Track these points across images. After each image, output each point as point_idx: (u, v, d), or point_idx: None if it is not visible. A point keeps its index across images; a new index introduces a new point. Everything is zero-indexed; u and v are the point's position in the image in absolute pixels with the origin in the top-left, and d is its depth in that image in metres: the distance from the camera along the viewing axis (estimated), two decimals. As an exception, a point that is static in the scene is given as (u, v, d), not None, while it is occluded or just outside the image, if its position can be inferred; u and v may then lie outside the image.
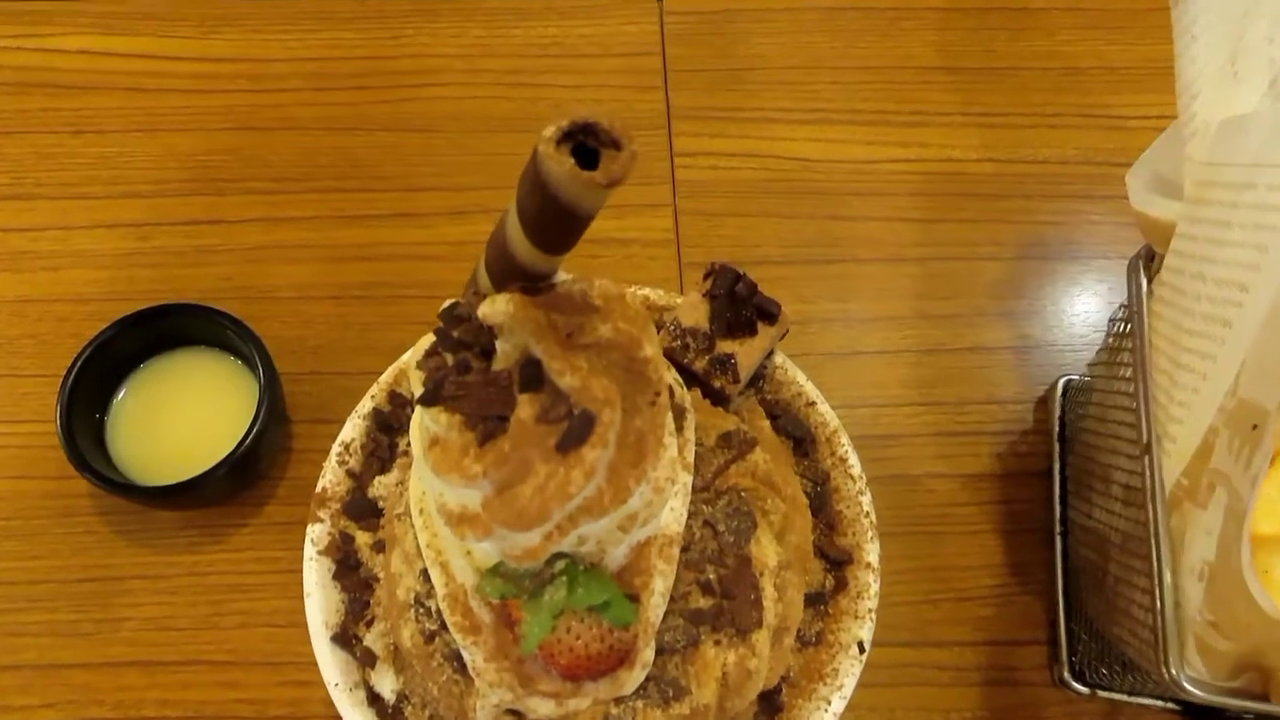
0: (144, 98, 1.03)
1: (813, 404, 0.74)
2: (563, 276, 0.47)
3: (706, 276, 0.69)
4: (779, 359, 0.74)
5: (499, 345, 0.45)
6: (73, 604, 0.82)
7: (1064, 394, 0.90)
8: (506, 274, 0.45)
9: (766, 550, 0.59)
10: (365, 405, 0.74)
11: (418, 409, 0.50)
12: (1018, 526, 0.87)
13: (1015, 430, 0.91)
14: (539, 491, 0.45)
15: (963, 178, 1.02)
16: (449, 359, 0.47)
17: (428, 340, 0.50)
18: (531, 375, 0.45)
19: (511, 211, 0.42)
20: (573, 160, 0.36)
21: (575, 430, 0.44)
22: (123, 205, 0.98)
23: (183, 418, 0.83)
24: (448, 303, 0.49)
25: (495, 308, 0.43)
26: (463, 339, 0.47)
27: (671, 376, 0.59)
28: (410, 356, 0.75)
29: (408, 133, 1.03)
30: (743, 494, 0.60)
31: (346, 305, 0.94)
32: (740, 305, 0.67)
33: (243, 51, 1.05)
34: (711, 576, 0.58)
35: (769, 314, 0.67)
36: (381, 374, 0.75)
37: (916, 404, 0.92)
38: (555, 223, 0.39)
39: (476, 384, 0.45)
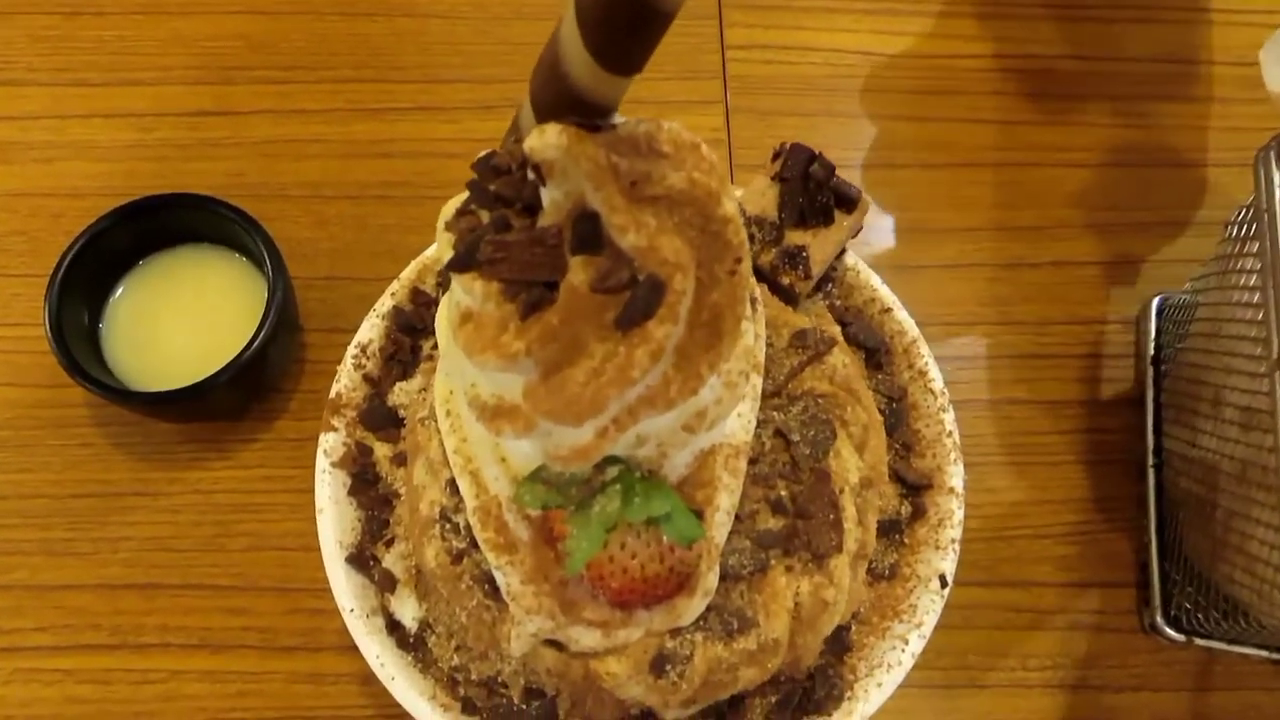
0: (146, -23, 0.94)
1: (888, 310, 0.65)
2: (622, 119, 0.38)
3: (775, 157, 0.60)
4: (850, 259, 0.65)
5: (547, 195, 0.37)
6: (67, 521, 0.75)
7: (1159, 313, 0.81)
8: (556, 105, 0.36)
9: (847, 464, 0.51)
10: (385, 304, 0.66)
11: (446, 292, 0.42)
12: (1104, 458, 0.79)
13: (1103, 353, 0.82)
14: (594, 375, 0.37)
15: (1045, 75, 0.92)
16: (484, 217, 0.39)
17: (458, 200, 0.42)
18: (587, 232, 0.36)
19: (568, 16, 0.33)
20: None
21: (640, 301, 0.36)
22: (122, 93, 0.90)
23: (185, 320, 0.75)
24: (484, 153, 0.40)
25: (545, 139, 0.34)
26: (501, 193, 0.38)
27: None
28: (435, 250, 0.67)
29: (430, 19, 0.93)
30: (820, 400, 0.52)
31: (364, 205, 0.86)
32: (815, 190, 0.58)
33: (252, -72, 0.96)
34: (783, 493, 0.50)
35: (848, 199, 0.59)
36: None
37: (993, 323, 0.83)
38: (627, 16, 0.31)
39: (519, 243, 0.37)
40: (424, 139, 0.89)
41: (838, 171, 0.59)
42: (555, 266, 0.37)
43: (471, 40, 0.93)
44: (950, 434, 0.62)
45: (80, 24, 0.92)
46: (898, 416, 0.63)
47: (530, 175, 0.37)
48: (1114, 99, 0.91)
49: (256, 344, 0.71)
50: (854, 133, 0.89)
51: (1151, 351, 0.80)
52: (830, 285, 0.66)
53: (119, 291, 0.75)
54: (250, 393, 0.77)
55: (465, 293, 0.39)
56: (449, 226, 0.40)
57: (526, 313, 0.37)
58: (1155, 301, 0.82)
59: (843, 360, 0.54)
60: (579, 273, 0.37)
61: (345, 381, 0.63)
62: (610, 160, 0.35)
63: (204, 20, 0.92)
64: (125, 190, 0.84)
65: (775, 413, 0.51)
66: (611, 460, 0.43)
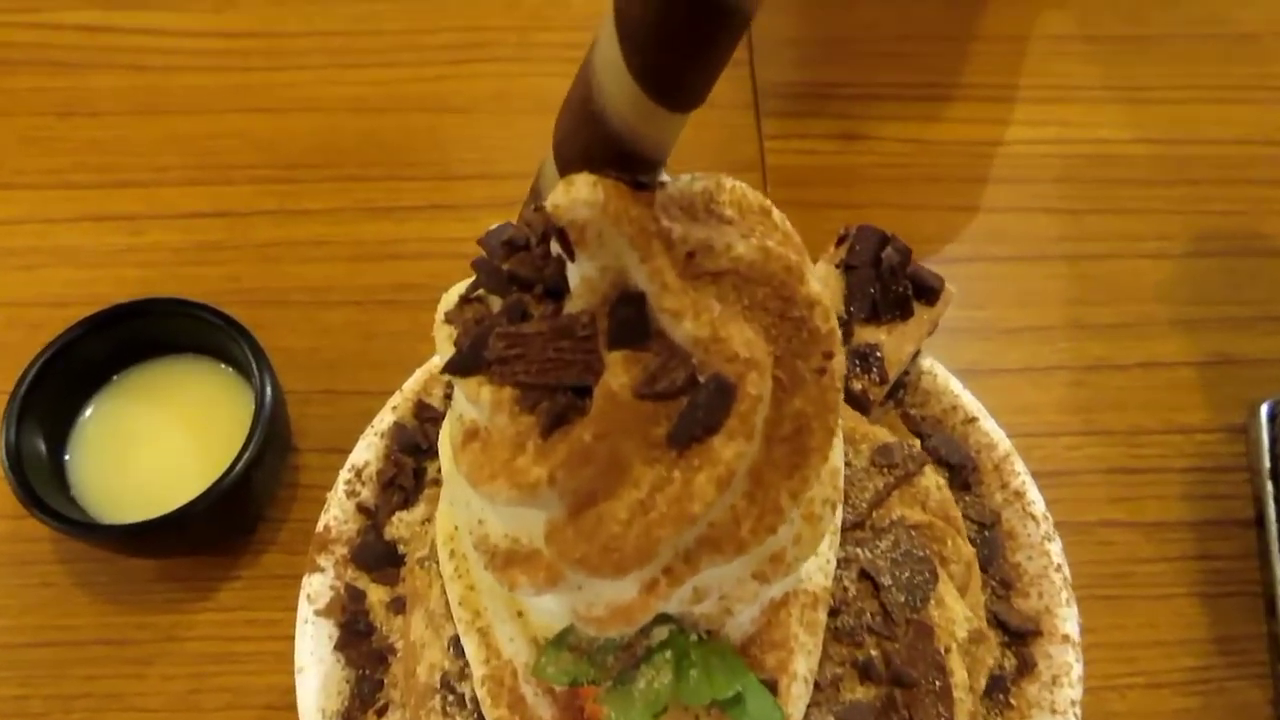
0: (146, 76, 0.89)
1: (973, 420, 0.56)
2: (671, 176, 0.30)
3: (840, 241, 0.51)
4: (925, 361, 0.56)
5: (576, 272, 0.28)
6: (20, 675, 0.65)
7: (1271, 419, 0.71)
8: (588, 156, 0.28)
9: (952, 614, 0.41)
10: (385, 420, 0.57)
11: (449, 401, 0.33)
12: (1222, 589, 0.67)
13: (1209, 466, 0.72)
14: (640, 511, 0.27)
15: (1114, 161, 0.84)
16: (495, 304, 0.30)
17: (462, 286, 0.33)
18: (630, 319, 0.28)
19: (604, 32, 0.25)
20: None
21: (701, 410, 0.27)
22: (114, 195, 0.83)
23: (162, 441, 0.67)
24: (494, 225, 0.32)
25: (574, 195, 0.26)
26: (517, 273, 0.30)
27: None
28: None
29: (446, 114, 0.87)
30: (913, 532, 0.42)
31: (369, 311, 0.78)
32: (890, 278, 0.49)
33: (260, 25, 0.91)
34: (874, 653, 0.39)
35: (928, 289, 0.50)
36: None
37: (1079, 433, 0.73)
38: (689, 21, 0.22)
39: (539, 337, 0.28)
40: (437, 239, 0.81)
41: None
42: (588, 366, 0.28)
43: (490, 135, 0.87)
44: (1059, 568, 0.52)
45: (73, 124, 0.87)
46: (992, 547, 0.53)
47: (554, 248, 0.29)
48: (1191, 183, 0.83)
49: (240, 466, 0.62)
50: (908, 225, 0.80)
51: (1267, 464, 0.70)
52: (902, 391, 0.56)
53: (88, 411, 0.67)
54: (233, 523, 0.68)
55: (470, 402, 0.30)
56: (450, 318, 0.31)
57: (550, 428, 0.28)
58: (1265, 407, 0.71)
59: (936, 481, 0.44)
60: (619, 373, 0.27)
61: (335, 512, 0.54)
62: (660, 224, 0.27)
63: (204, 119, 0.87)
64: (111, 298, 0.77)
65: (859, 549, 0.41)
66: (660, 619, 0.33)
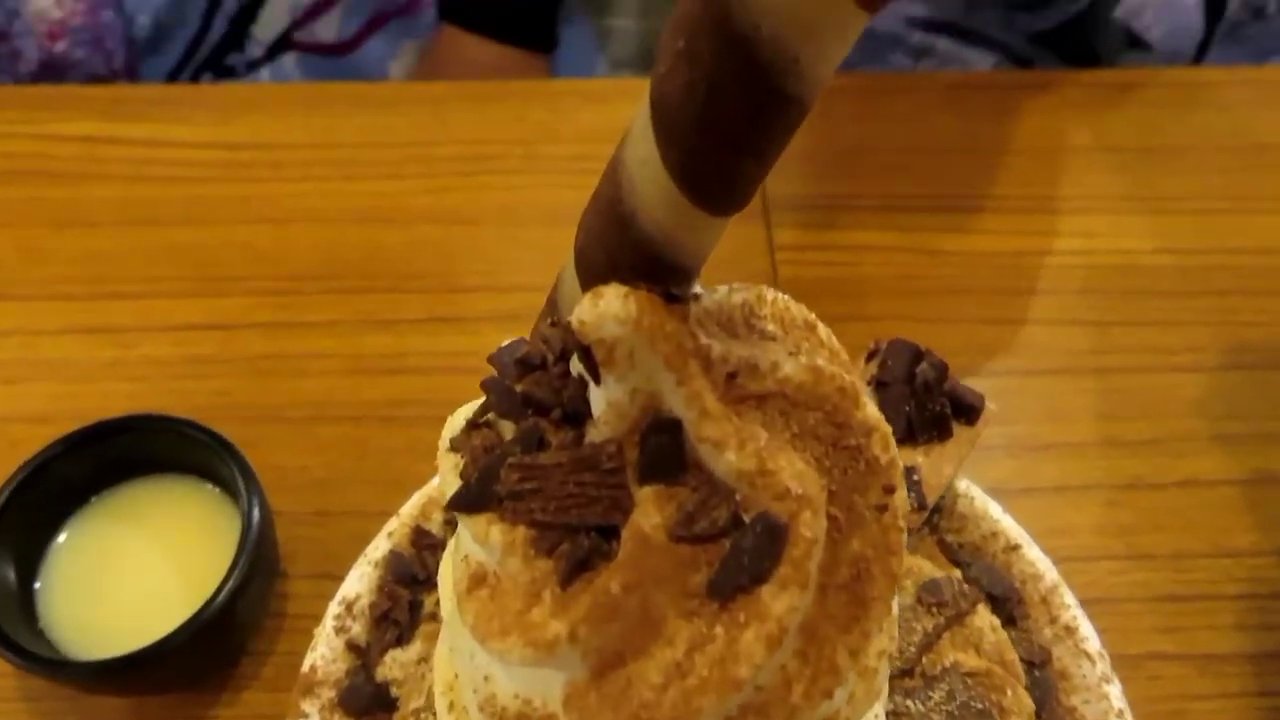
0: (146, 187, 0.87)
1: (1015, 547, 0.51)
2: (705, 288, 0.27)
3: (870, 356, 0.48)
4: (960, 483, 0.52)
5: (602, 396, 0.25)
6: (-29, 830, 0.59)
7: (1326, 543, 0.67)
8: (616, 265, 0.24)
9: (1019, 780, 0.36)
10: (379, 547, 0.52)
11: (453, 534, 0.29)
12: (1287, 731, 0.62)
13: (1262, 593, 0.67)
14: (676, 674, 0.23)
15: (1139, 272, 0.81)
16: (507, 429, 0.27)
17: (470, 409, 0.29)
18: (663, 449, 0.24)
19: (638, 124, 0.22)
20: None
21: (747, 555, 0.23)
22: (105, 307, 0.81)
23: (140, 568, 0.62)
24: (506, 342, 0.29)
25: (602, 309, 0.23)
26: (532, 396, 0.26)
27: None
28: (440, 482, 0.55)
29: (451, 225, 0.86)
30: (968, 680, 0.37)
31: (367, 428, 0.74)
32: (925, 397, 0.46)
33: (264, 136, 0.90)
34: (932, 827, 0.34)
35: (967, 407, 0.46)
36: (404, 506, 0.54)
37: (1120, 557, 0.68)
38: (737, 114, 0.19)
39: (558, 469, 0.25)
40: (439, 353, 0.78)
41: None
42: (615, 503, 0.24)
43: (495, 246, 0.85)
44: (1120, 714, 0.47)
45: (69, 235, 0.85)
46: (1044, 689, 0.48)
47: (575, 368, 0.25)
48: (1218, 294, 0.80)
49: (223, 596, 0.58)
50: (932, 339, 0.76)
51: (1326, 591, 0.65)
52: (937, 516, 0.52)
53: (62, 536, 0.63)
54: (214, 657, 0.63)
55: (478, 543, 0.26)
56: (455, 445, 0.28)
57: (571, 575, 0.24)
58: (1317, 528, 0.67)
59: (990, 622, 0.40)
60: (651, 512, 0.24)
61: (323, 650, 0.49)
62: (699, 342, 0.23)
63: (203, 230, 0.85)
64: (96, 413, 0.73)
65: (909, 700, 0.36)
66: (693, 795, 0.28)
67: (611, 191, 0.24)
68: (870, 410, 0.25)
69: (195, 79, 1.10)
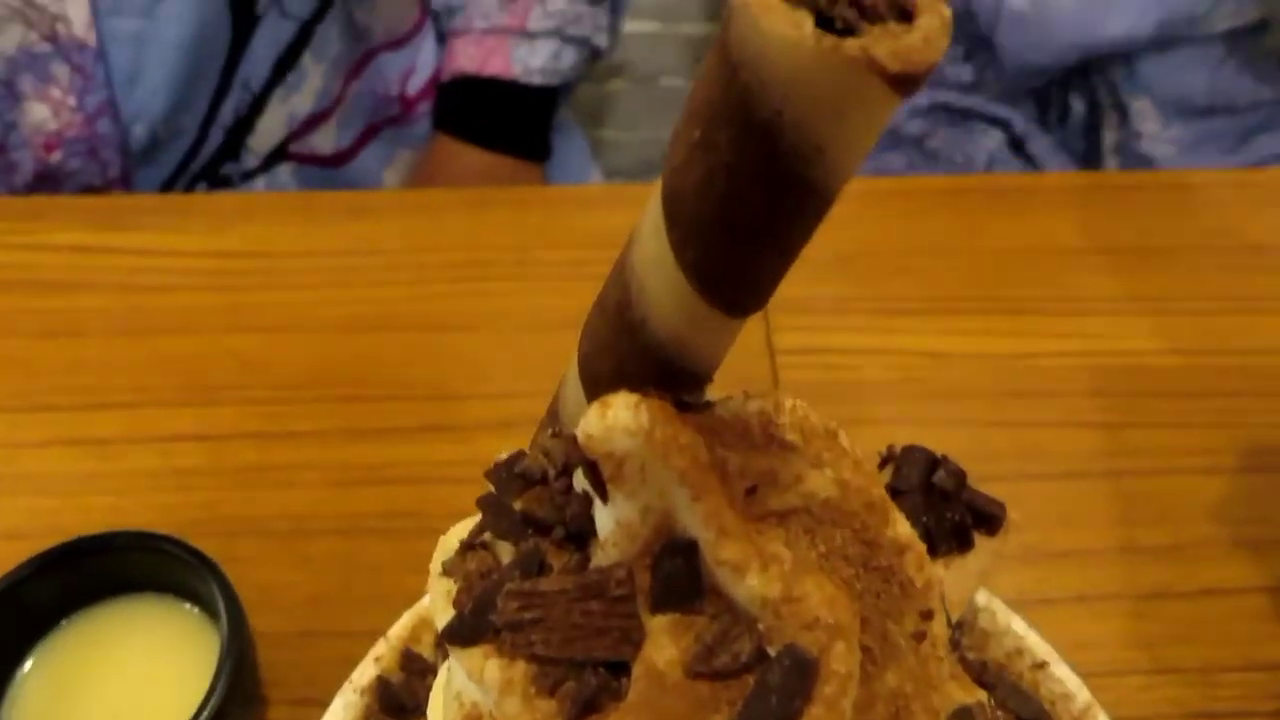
0: (137, 296, 0.86)
1: (1042, 665, 0.49)
2: (717, 396, 0.25)
3: (884, 463, 0.46)
4: (981, 597, 0.50)
5: (610, 515, 0.23)
6: None
7: (1363, 655, 0.63)
8: (623, 373, 0.23)
9: None
10: (365, 673, 0.49)
11: (444, 659, 0.27)
12: None
13: (1299, 710, 0.63)
14: (696, 834, 0.20)
15: (1146, 373, 0.80)
16: (505, 551, 0.24)
17: (464, 527, 0.27)
18: (678, 574, 0.22)
19: (648, 219, 0.20)
20: (814, 23, 0.15)
21: (774, 693, 0.21)
22: (90, 418, 0.78)
23: (110, 697, 0.59)
24: (503, 455, 0.27)
25: (611, 420, 0.21)
26: (532, 515, 0.24)
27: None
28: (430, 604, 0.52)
29: (445, 332, 0.84)
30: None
31: (355, 541, 0.71)
32: (942, 506, 0.44)
33: (257, 245, 0.90)
34: None
35: (988, 517, 0.44)
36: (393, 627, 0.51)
37: (1148, 672, 0.65)
38: (757, 207, 0.18)
39: (561, 596, 0.22)
40: (431, 462, 0.76)
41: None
42: (625, 635, 0.22)
43: (490, 353, 0.83)
44: None
45: (56, 345, 0.83)
46: (1083, 824, 0.44)
47: (579, 483, 0.23)
48: (1229, 395, 0.79)
49: (198, 726, 0.54)
50: (937, 442, 0.75)
51: (1367, 707, 0.61)
52: (958, 632, 0.49)
53: (29, 663, 0.59)
54: (187, 794, 0.58)
55: (473, 681, 0.23)
56: (448, 569, 0.26)
57: (577, 716, 0.21)
58: (1352, 639, 0.64)
59: (1029, 755, 0.36)
60: (666, 645, 0.21)
61: (303, 789, 0.45)
62: (715, 453, 0.21)
63: (192, 339, 0.83)
64: (74, 528, 0.70)
65: None
66: None
67: (619, 296, 0.22)
68: (902, 527, 0.23)
69: (190, 189, 1.10)
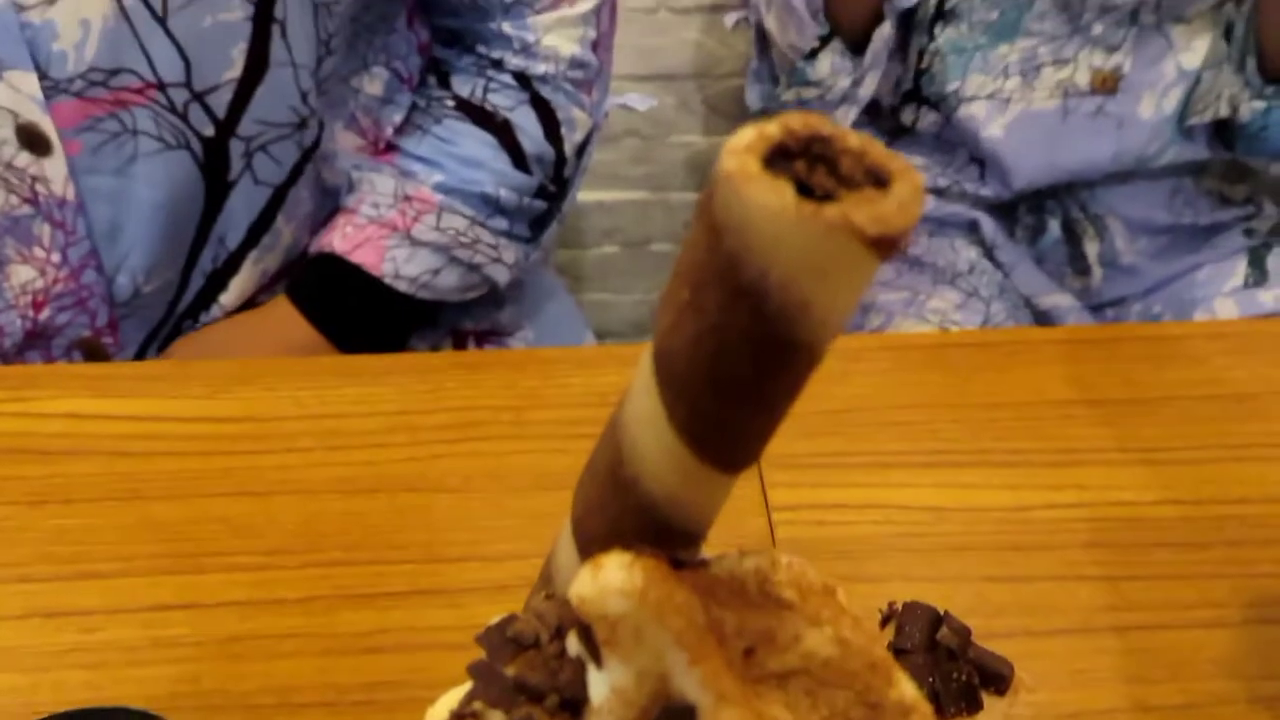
0: (128, 462, 0.86)
1: (1062, 837, 0.46)
2: (710, 554, 0.25)
3: (885, 621, 0.45)
4: (993, 763, 0.48)
5: (605, 680, 0.22)
6: None
7: (1396, 819, 0.61)
8: (618, 532, 0.22)
9: None
10: None
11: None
12: None
13: None
14: None
15: (1145, 524, 0.80)
16: (498, 722, 0.24)
17: (454, 697, 0.26)
18: (675, 743, 0.21)
19: (639, 379, 0.21)
20: (795, 191, 0.16)
21: None
22: (73, 589, 0.77)
23: None
24: (496, 619, 0.26)
25: (604, 581, 0.20)
26: (525, 681, 0.23)
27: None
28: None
29: (438, 493, 0.84)
30: None
31: (342, 714, 0.69)
32: (948, 665, 0.42)
33: (251, 410, 0.90)
34: None
35: (995, 675, 0.43)
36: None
37: (1173, 842, 0.62)
38: (745, 364, 0.18)
39: (556, 768, 0.21)
40: (421, 628, 0.74)
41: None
42: (622, 808, 0.21)
43: (483, 514, 0.82)
44: None
45: (44, 513, 0.82)
46: None
47: (573, 648, 0.23)
48: (1230, 545, 0.78)
49: None
50: (938, 597, 0.73)
51: None
52: (971, 801, 0.47)
53: None
54: None
55: None
56: (440, 738, 0.25)
57: None
58: (1382, 803, 0.61)
59: None
60: (665, 819, 0.20)
61: None
62: (712, 613, 0.21)
63: (182, 504, 0.82)
64: (49, 705, 0.68)
65: None
66: None
67: (611, 455, 0.22)
68: (906, 687, 0.23)
69: (173, 337, 1.11)
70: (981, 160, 1.34)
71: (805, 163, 0.17)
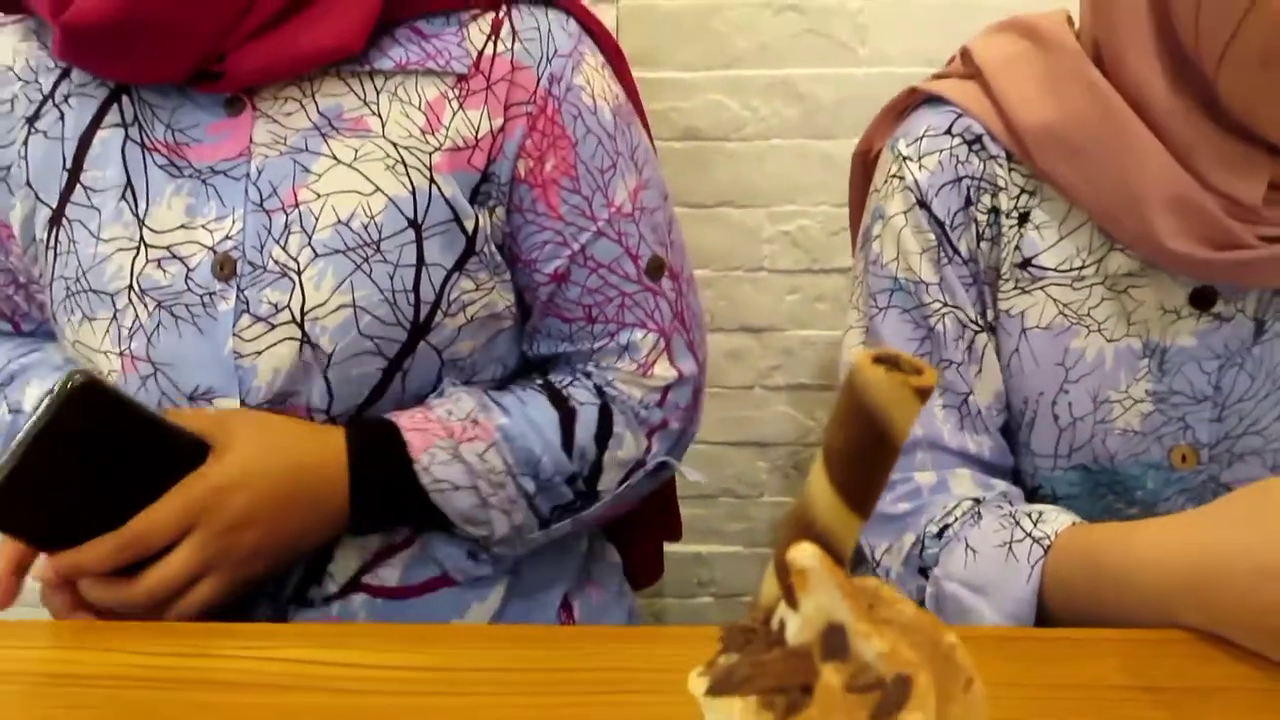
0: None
1: None
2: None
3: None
4: None
5: (798, 616, 0.44)
6: None
7: None
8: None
9: None
10: None
11: None
12: None
13: None
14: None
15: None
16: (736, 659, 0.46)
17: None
18: (836, 643, 0.43)
19: (816, 469, 0.45)
20: (885, 369, 0.42)
21: (891, 696, 0.41)
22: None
23: None
24: (727, 624, 0.49)
25: (804, 551, 0.44)
26: (750, 640, 0.46)
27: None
28: None
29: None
30: None
31: None
32: None
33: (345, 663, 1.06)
34: None
35: None
36: None
37: None
38: (866, 449, 0.43)
39: (774, 659, 0.43)
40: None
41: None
42: (809, 672, 0.42)
43: None
44: None
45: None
46: None
47: (776, 621, 0.45)
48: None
49: None
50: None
51: None
52: None
53: None
54: None
55: (721, 714, 0.43)
56: (703, 672, 0.46)
57: (786, 713, 0.41)
58: None
59: None
60: (832, 675, 0.42)
61: None
62: (851, 585, 0.44)
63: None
64: None
65: None
66: None
67: (800, 511, 0.46)
68: (951, 636, 0.43)
69: (283, 613, 1.18)
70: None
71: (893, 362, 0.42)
